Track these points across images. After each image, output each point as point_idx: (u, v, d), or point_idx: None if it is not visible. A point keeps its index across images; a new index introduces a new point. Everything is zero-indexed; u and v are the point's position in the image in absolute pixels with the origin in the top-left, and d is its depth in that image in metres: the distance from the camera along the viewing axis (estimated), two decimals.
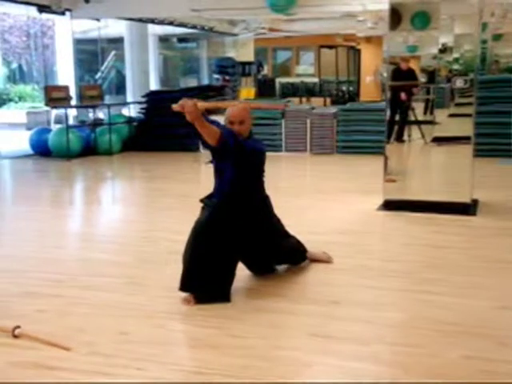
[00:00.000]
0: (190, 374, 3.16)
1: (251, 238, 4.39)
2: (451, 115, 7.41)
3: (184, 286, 4.18)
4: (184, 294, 4.15)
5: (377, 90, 21.93)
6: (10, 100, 21.75)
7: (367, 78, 23.14)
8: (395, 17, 6.73)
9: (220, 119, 4.46)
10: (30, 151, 12.18)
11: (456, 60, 7.26)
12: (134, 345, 3.49)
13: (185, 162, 11.35)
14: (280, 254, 4.74)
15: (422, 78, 7.62)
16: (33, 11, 12.61)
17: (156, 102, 13.20)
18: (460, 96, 7.25)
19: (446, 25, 6.90)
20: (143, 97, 13.36)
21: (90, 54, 16.86)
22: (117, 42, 16.00)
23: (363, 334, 3.62)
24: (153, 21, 14.62)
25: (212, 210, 4.32)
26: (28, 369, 3.23)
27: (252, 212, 4.39)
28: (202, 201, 4.48)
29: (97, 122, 12.72)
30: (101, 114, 13.85)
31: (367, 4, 11.55)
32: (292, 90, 20.46)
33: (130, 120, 13.23)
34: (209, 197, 4.48)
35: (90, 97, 12.44)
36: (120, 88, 17.36)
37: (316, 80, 21.37)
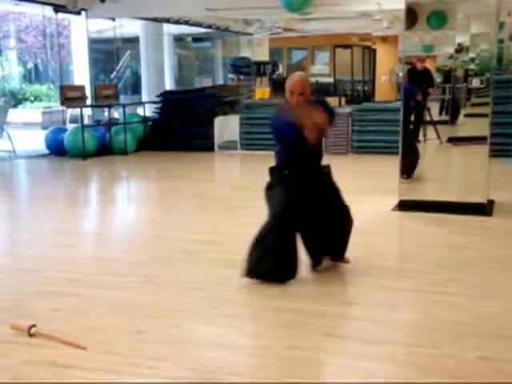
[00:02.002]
0: (203, 373, 3.16)
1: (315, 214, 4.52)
2: (467, 115, 7.36)
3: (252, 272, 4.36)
4: None
5: (392, 90, 21.84)
6: (26, 99, 21.86)
7: (382, 78, 23.06)
8: (411, 16, 6.69)
9: None
10: (46, 151, 12.25)
11: (472, 60, 7.21)
12: (148, 344, 3.50)
13: (199, 161, 11.37)
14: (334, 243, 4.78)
15: (438, 78, 7.58)
16: (49, 11, 12.69)
17: (171, 101, 13.24)
18: (476, 96, 7.20)
19: (462, 24, 6.86)
20: (158, 96, 13.40)
21: (105, 53, 16.91)
22: (132, 41, 16.04)
23: (378, 334, 3.61)
24: (168, 20, 14.65)
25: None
26: (44, 367, 3.24)
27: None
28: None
29: (112, 122, 12.75)
30: (116, 114, 13.90)
31: (383, 3, 11.51)
32: None
33: (145, 119, 13.27)
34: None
35: (105, 96, 12.49)
36: (135, 87, 17.41)
37: (331, 80, 21.31)
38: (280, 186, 4.51)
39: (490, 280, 4.54)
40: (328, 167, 4.78)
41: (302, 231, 4.52)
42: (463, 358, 3.26)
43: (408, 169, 7.19)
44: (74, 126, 12.91)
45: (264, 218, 6.62)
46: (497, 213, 6.61)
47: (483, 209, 6.61)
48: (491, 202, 6.89)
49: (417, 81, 7.43)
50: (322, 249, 4.72)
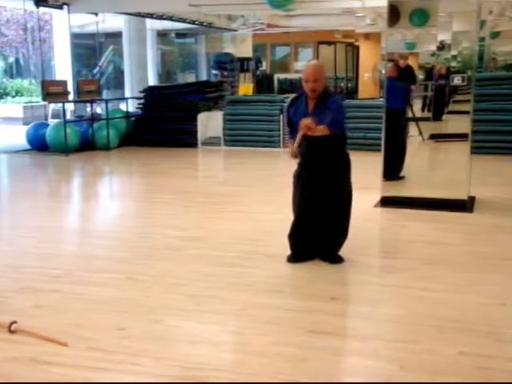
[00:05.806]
0: (185, 369, 3.16)
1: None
2: (449, 112, 7.41)
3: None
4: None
5: (375, 87, 21.90)
6: (7, 94, 21.70)
7: (365, 75, 23.11)
8: (394, 14, 6.72)
9: None
10: (27, 146, 12.16)
11: (454, 57, 7.25)
12: (131, 340, 3.49)
13: (182, 157, 11.35)
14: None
15: (420, 75, 7.62)
16: (30, 5, 12.56)
17: (154, 97, 13.20)
18: (458, 93, 7.24)
19: (444, 22, 6.90)
20: (141, 92, 13.35)
21: (87, 48, 16.84)
22: (115, 36, 15.98)
23: (361, 330, 3.63)
24: (151, 15, 14.59)
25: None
26: (24, 364, 3.22)
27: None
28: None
29: (94, 117, 12.70)
30: (98, 109, 13.84)
31: (366, 0, 11.54)
32: (290, 86, 20.44)
33: (127, 115, 13.22)
34: None
35: (87, 91, 12.43)
36: (118, 83, 17.34)
37: None
38: (295, 182, 4.94)
39: (471, 276, 4.58)
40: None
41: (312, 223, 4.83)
42: (444, 354, 3.29)
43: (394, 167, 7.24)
44: (56, 121, 12.84)
45: (248, 214, 6.66)
46: (477, 209, 6.67)
47: (464, 205, 6.66)
48: (472, 199, 6.94)
49: (399, 78, 7.46)
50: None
